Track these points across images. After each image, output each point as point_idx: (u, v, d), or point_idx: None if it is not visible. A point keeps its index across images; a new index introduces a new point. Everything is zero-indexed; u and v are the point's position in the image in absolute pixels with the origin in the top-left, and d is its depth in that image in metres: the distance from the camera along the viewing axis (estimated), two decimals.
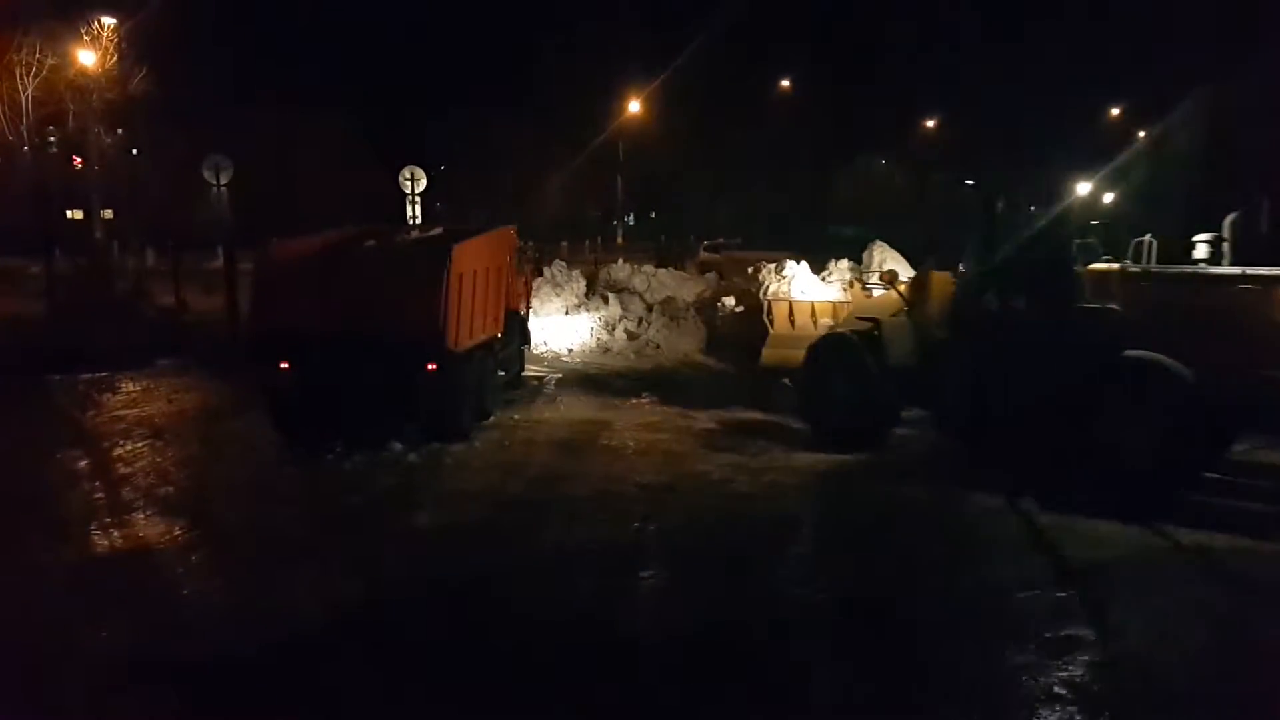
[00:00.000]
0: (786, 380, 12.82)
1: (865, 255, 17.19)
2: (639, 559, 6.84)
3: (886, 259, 15.87)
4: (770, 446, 10.12)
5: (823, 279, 16.75)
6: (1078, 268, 8.68)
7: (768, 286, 16.34)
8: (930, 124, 49.17)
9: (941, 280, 9.93)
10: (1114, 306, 8.26)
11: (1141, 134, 41.77)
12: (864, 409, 9.84)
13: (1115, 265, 8.53)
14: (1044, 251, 8.86)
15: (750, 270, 18.37)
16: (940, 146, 46.44)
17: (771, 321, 15.09)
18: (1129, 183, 23.36)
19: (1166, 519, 7.47)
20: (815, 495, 8.64)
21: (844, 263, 17.25)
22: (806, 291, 15.99)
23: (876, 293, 11.56)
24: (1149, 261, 8.33)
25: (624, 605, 6.12)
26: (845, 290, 15.35)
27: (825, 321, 13.84)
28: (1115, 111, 45.96)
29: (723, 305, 17.71)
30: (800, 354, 10.92)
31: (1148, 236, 8.43)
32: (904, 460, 9.73)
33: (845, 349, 10.17)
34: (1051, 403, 8.17)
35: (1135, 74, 43.40)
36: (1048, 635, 5.57)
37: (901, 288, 10.30)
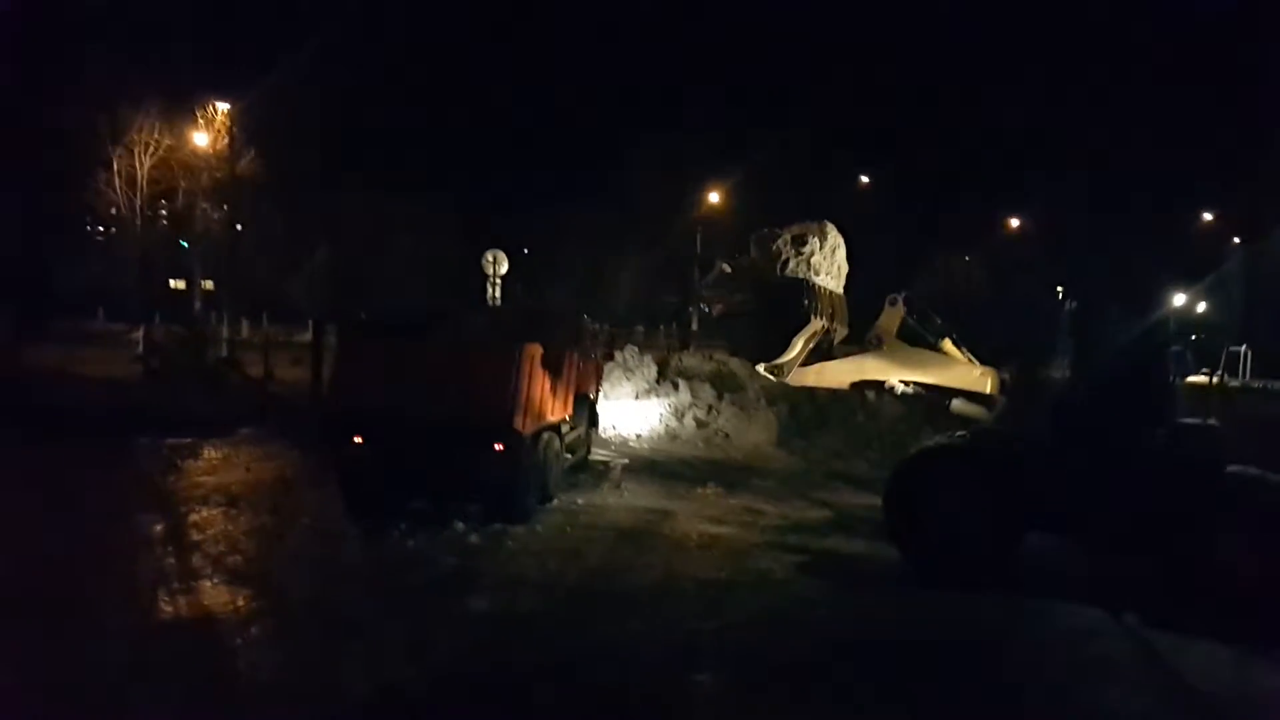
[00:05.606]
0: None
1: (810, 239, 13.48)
2: (693, 661, 6.69)
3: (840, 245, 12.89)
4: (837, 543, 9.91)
5: None
6: (1173, 380, 8.43)
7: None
8: (1015, 223, 48.71)
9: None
10: (1213, 422, 7.99)
11: (1236, 240, 40.80)
12: (986, 536, 8.55)
13: (1213, 379, 8.31)
14: (1138, 363, 8.41)
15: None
16: (1024, 246, 45.92)
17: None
18: (1226, 291, 22.48)
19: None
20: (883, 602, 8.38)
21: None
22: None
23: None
24: (1243, 373, 8.15)
25: (678, 708, 5.99)
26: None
27: None
28: (1208, 217, 44.92)
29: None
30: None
31: (1243, 346, 8.24)
32: None
33: (959, 464, 8.97)
34: (1153, 520, 7.88)
35: (1230, 180, 42.58)
36: None
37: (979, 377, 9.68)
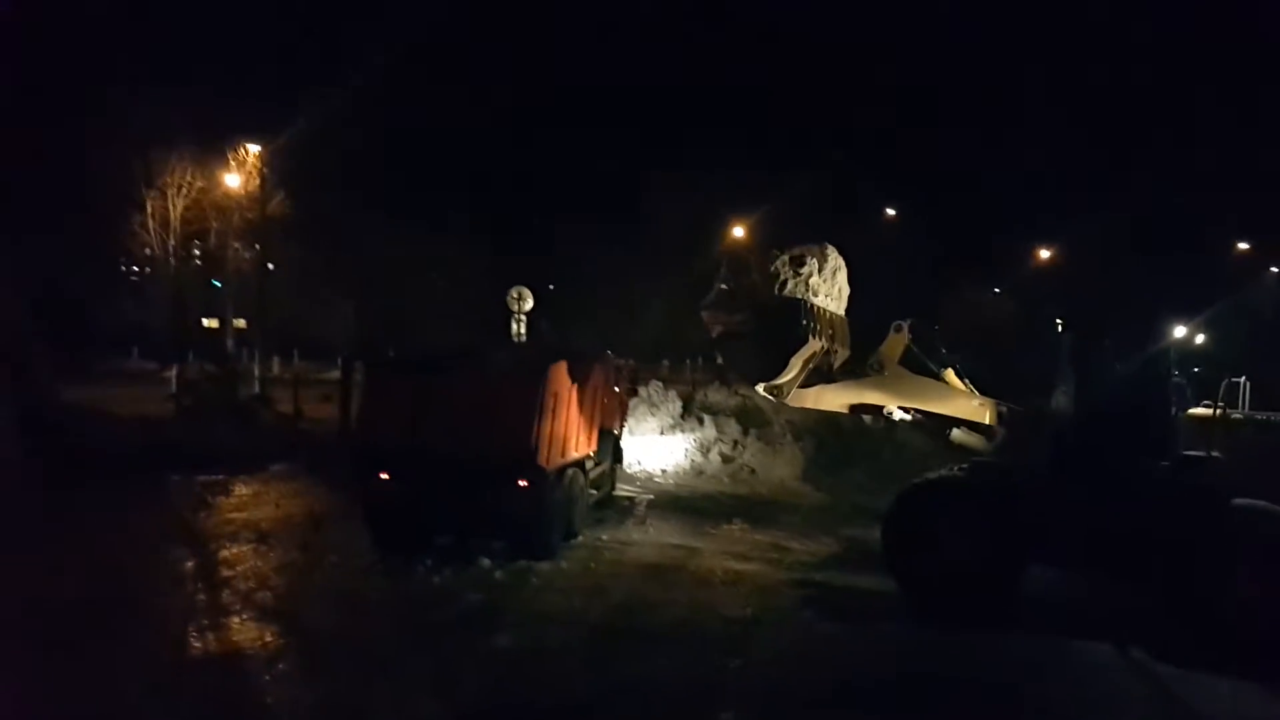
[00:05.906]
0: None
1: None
2: (716, 698, 6.66)
3: (841, 268, 12.80)
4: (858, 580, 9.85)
5: None
6: (1175, 411, 8.43)
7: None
8: (1045, 254, 48.45)
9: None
10: (1215, 454, 7.97)
11: (1275, 270, 40.47)
12: (986, 568, 8.53)
13: (1215, 411, 8.29)
14: (1138, 394, 8.43)
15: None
16: (1053, 279, 45.67)
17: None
18: (1255, 318, 22.36)
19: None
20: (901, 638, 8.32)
21: None
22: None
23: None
24: (1243, 404, 8.11)
25: None
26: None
27: None
28: (1244, 246, 44.51)
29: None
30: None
31: (1243, 377, 8.19)
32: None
33: (958, 497, 8.96)
34: (1155, 552, 7.87)
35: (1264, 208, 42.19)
36: None
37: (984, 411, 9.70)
